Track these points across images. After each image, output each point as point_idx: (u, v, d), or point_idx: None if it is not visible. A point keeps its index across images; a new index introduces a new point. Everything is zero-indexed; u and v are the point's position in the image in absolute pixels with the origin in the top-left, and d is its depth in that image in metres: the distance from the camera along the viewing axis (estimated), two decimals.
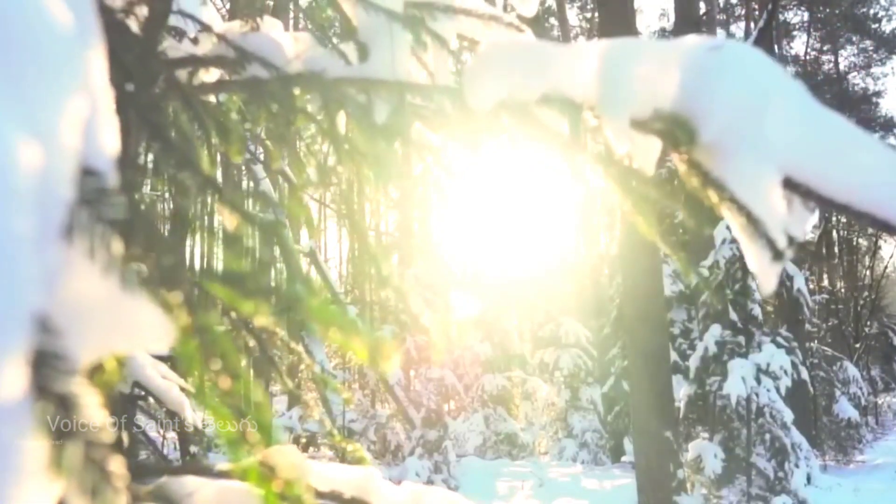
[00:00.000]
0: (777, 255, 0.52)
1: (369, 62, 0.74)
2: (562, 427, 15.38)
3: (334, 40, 0.80)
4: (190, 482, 0.67)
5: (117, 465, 0.25)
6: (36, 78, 0.28)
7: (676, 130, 0.57)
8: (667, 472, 6.89)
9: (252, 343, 0.83)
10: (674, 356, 10.09)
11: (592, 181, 0.65)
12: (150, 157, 0.54)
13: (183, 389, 1.00)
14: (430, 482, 10.31)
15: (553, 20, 22.93)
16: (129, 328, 0.34)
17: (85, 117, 0.31)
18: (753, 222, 0.53)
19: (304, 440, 11.42)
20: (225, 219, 0.41)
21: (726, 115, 0.55)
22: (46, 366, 0.25)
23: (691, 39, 0.61)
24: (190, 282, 0.36)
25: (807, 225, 0.60)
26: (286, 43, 0.83)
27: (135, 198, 0.37)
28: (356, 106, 0.74)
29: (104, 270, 0.33)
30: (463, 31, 0.94)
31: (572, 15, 24.19)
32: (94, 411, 0.28)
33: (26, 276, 0.23)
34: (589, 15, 24.70)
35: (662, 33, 26.34)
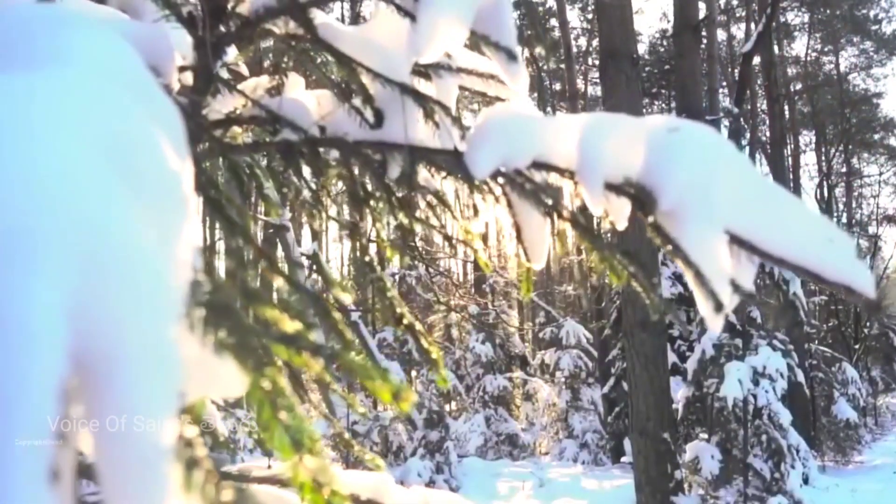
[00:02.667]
0: (718, 306, 0.63)
1: (385, 126, 0.85)
2: (562, 428, 15.50)
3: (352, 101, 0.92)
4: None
5: (227, 487, 0.37)
6: (164, 209, 0.39)
7: (641, 197, 0.69)
8: (665, 473, 7.01)
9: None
10: (673, 358, 10.20)
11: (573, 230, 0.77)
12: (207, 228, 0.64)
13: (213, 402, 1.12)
14: (431, 482, 10.42)
15: (554, 21, 23.02)
16: (215, 380, 0.46)
17: (189, 228, 0.43)
18: (699, 277, 0.64)
19: None
20: (278, 284, 0.52)
21: (680, 188, 0.66)
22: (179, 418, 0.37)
23: (655, 119, 0.73)
24: (256, 345, 0.48)
25: (751, 275, 0.71)
26: (310, 104, 0.95)
27: (211, 277, 0.49)
28: (373, 163, 0.86)
29: (199, 339, 0.45)
30: (465, 85, 1.06)
31: (573, 16, 24.29)
32: (202, 447, 0.40)
33: (177, 359, 0.35)
34: (590, 16, 24.76)
35: (663, 34, 26.41)
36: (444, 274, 15.01)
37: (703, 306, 0.66)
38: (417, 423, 11.37)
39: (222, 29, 0.88)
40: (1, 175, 0.32)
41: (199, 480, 0.37)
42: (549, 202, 0.73)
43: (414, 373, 14.82)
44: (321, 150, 0.85)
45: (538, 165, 0.78)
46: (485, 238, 1.01)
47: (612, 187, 0.74)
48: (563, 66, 20.71)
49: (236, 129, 0.93)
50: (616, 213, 0.75)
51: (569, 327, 15.48)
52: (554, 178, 0.77)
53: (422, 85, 0.98)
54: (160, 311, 0.34)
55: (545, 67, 24.81)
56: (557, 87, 26.75)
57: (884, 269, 28.46)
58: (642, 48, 24.66)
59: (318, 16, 0.86)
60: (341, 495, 0.46)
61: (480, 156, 0.76)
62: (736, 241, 0.70)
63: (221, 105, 1.02)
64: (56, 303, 0.30)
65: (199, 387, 0.45)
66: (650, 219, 0.70)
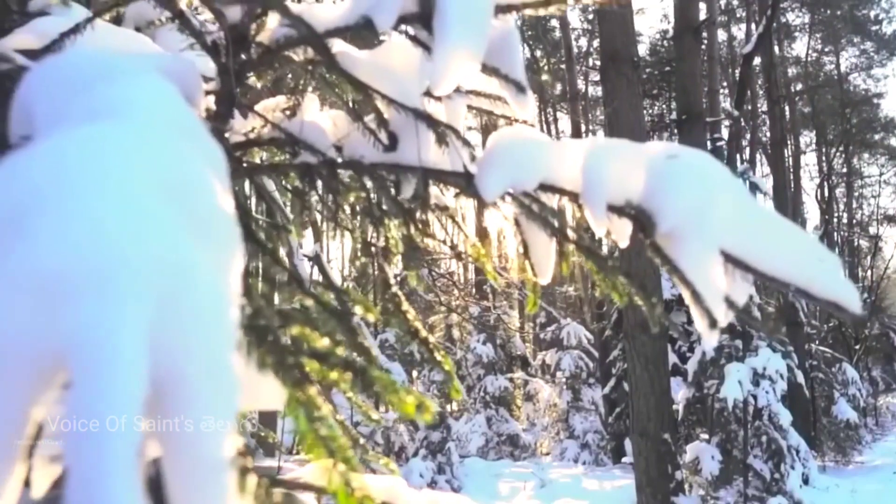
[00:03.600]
0: (713, 323, 0.68)
1: (399, 149, 0.90)
2: (563, 428, 15.55)
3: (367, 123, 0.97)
4: None
5: (278, 491, 0.42)
6: (218, 243, 0.44)
7: (641, 219, 0.74)
8: (665, 474, 7.05)
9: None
10: (674, 359, 10.24)
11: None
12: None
13: None
14: (433, 483, 10.47)
15: (555, 21, 23.06)
16: (258, 395, 0.51)
17: (238, 258, 0.48)
18: (695, 295, 0.69)
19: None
20: (308, 306, 0.57)
21: (678, 212, 0.71)
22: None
23: (655, 146, 0.78)
24: (293, 363, 0.53)
25: (745, 293, 0.76)
26: (326, 125, 1.00)
27: (251, 301, 0.54)
28: (387, 184, 0.91)
29: (246, 359, 0.50)
30: (472, 104, 1.11)
31: (574, 17, 24.32)
32: (250, 457, 0.45)
33: (235, 380, 0.40)
34: (591, 17, 24.77)
35: (663, 35, 26.42)
36: (447, 276, 15.08)
37: (699, 322, 0.71)
38: (419, 424, 11.42)
39: (244, 56, 0.93)
40: (88, 222, 0.37)
41: (251, 485, 0.42)
42: (555, 224, 0.78)
43: (415, 373, 14.87)
44: (340, 172, 0.90)
45: (544, 188, 0.83)
46: (488, 244, 1.06)
47: (614, 209, 0.79)
48: (563, 66, 20.75)
49: (253, 150, 0.98)
50: (618, 233, 0.80)
51: (570, 328, 15.53)
52: (559, 200, 0.81)
53: (431, 105, 1.03)
54: (221, 338, 0.39)
55: (546, 69, 24.85)
56: (558, 87, 26.81)
57: (884, 270, 28.48)
58: (643, 49, 24.69)
59: (335, 44, 0.91)
60: (371, 499, 0.51)
61: (491, 179, 0.81)
62: (731, 260, 0.75)
63: (240, 126, 1.07)
64: (139, 332, 0.35)
65: (245, 401, 0.50)
66: (650, 240, 0.75)
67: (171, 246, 0.39)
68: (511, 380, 16.34)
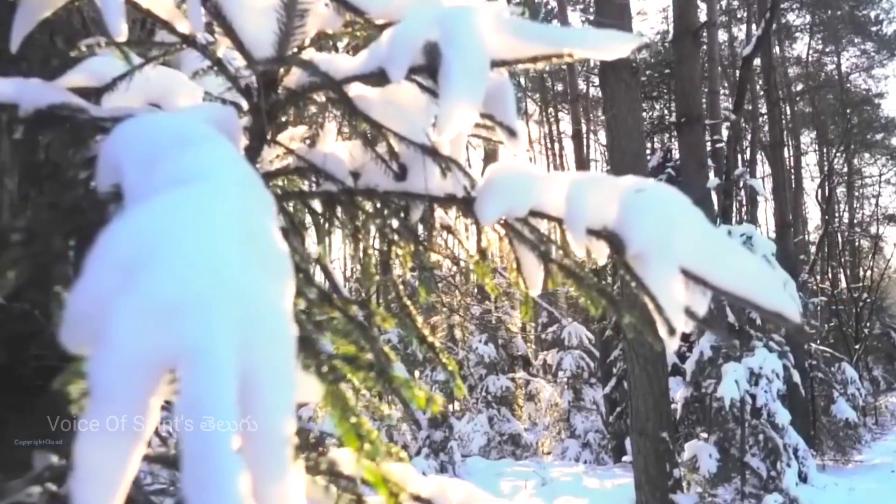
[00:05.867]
0: (672, 331, 0.82)
1: (408, 178, 1.04)
2: (564, 428, 15.69)
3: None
4: None
5: (336, 471, 0.56)
6: (278, 275, 0.58)
7: (615, 243, 0.88)
8: (664, 472, 7.19)
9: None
10: (673, 358, 10.37)
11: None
12: None
13: None
14: None
15: (555, 22, 23.17)
16: (302, 391, 0.65)
17: (290, 285, 0.61)
18: (658, 307, 0.83)
19: (312, 440, 11.74)
20: (338, 320, 0.71)
21: (644, 237, 0.85)
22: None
23: (627, 180, 0.91)
24: (329, 366, 0.66)
25: (704, 305, 0.90)
26: (344, 155, 1.13)
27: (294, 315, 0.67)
28: (397, 208, 1.05)
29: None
30: (473, 132, 1.24)
31: (574, 18, 24.44)
32: (303, 446, 0.59)
33: (295, 380, 0.53)
34: (591, 17, 24.84)
35: (664, 36, 26.51)
36: (449, 279, 15.21)
37: (661, 329, 0.85)
38: (422, 423, 11.56)
39: (273, 97, 1.07)
40: (189, 264, 0.50)
41: (301, 459, 0.56)
42: (541, 248, 0.92)
43: (417, 373, 15.02)
44: (358, 199, 1.04)
45: (534, 213, 0.96)
46: (483, 254, 1.19)
47: (592, 232, 0.92)
48: (564, 67, 20.89)
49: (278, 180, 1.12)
50: (597, 253, 0.94)
51: (571, 328, 15.67)
52: (547, 224, 0.95)
53: (434, 132, 1.16)
54: (284, 349, 0.52)
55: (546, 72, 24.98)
56: (559, 87, 26.98)
57: (884, 269, 28.57)
58: (644, 50, 24.76)
59: (352, 87, 1.05)
60: (393, 479, 0.65)
61: (488, 206, 0.94)
62: (691, 277, 0.88)
63: (265, 154, 1.21)
64: (230, 346, 0.49)
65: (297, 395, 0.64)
66: (622, 260, 0.88)
67: (247, 280, 0.52)
68: (513, 380, 16.48)
